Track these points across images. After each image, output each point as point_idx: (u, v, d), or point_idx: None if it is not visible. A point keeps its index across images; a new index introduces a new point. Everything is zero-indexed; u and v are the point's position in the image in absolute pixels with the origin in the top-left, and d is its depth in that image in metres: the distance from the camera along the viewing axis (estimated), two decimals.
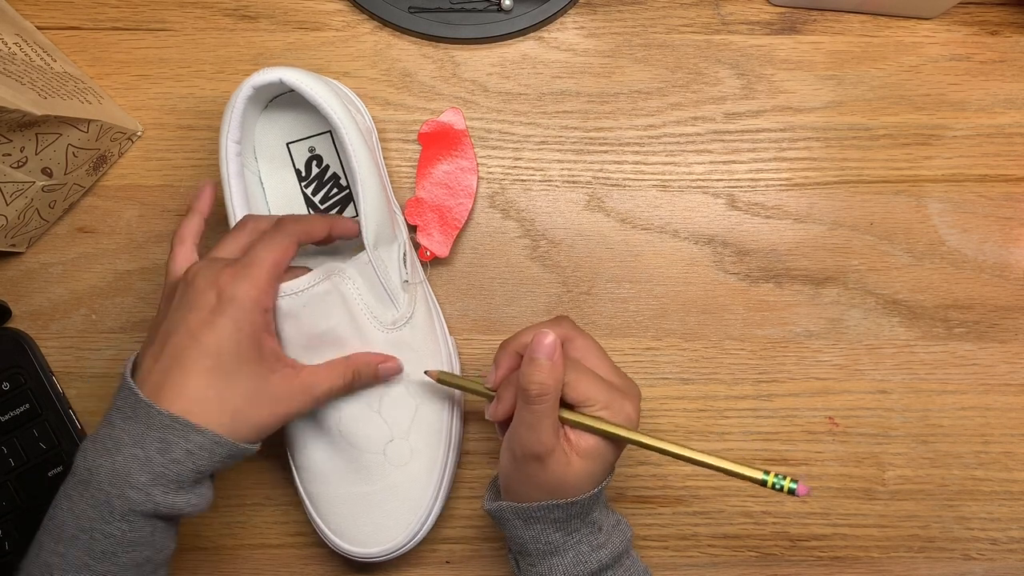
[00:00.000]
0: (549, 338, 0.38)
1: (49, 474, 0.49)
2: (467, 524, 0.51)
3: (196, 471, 0.37)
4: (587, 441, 0.39)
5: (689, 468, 0.51)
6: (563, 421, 0.39)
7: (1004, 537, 0.51)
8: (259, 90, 0.44)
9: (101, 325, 0.52)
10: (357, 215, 0.44)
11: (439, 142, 0.51)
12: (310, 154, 0.49)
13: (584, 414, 0.39)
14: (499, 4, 0.52)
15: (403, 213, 0.50)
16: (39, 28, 0.52)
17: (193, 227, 0.44)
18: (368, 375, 0.43)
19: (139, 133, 0.53)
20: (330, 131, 0.49)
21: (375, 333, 0.44)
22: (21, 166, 0.45)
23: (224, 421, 0.38)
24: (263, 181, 0.49)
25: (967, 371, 0.51)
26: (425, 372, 0.45)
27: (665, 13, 0.53)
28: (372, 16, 0.53)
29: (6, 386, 0.50)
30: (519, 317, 0.52)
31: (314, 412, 0.44)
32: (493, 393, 0.42)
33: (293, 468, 0.47)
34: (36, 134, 0.44)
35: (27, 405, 0.50)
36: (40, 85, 0.45)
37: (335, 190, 0.50)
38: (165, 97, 0.53)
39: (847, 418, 0.51)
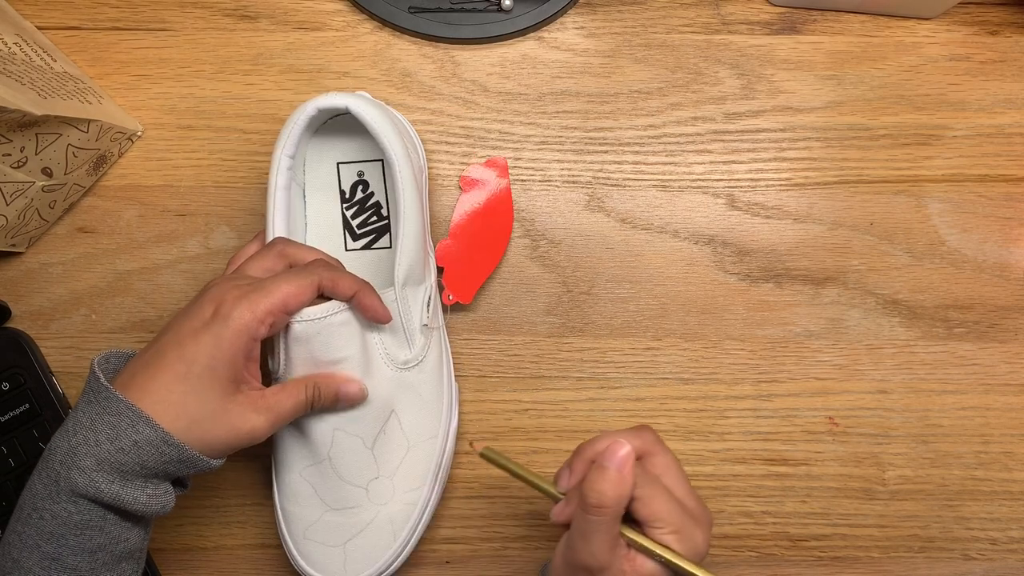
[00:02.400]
0: (624, 449, 0.36)
1: None
2: (467, 524, 0.51)
3: (142, 466, 0.37)
4: (648, 568, 0.36)
5: (689, 468, 0.51)
6: (626, 540, 0.37)
7: (1004, 537, 0.51)
8: (322, 112, 0.44)
9: (101, 325, 0.52)
10: (392, 246, 0.45)
11: (480, 186, 0.51)
12: (358, 178, 0.49)
13: (650, 537, 0.36)
14: (499, 4, 0.52)
15: (436, 254, 0.50)
16: (39, 28, 0.52)
17: (248, 252, 0.45)
18: (329, 395, 0.42)
19: (139, 133, 0.53)
20: (382, 160, 0.49)
21: (384, 369, 0.44)
22: (21, 166, 0.45)
23: (179, 426, 0.37)
24: (306, 195, 0.49)
25: (967, 371, 0.51)
26: (470, 444, 0.42)
27: (665, 13, 0.53)
28: (372, 16, 0.53)
29: (6, 386, 0.50)
30: (519, 317, 0.52)
31: (308, 434, 0.44)
32: (547, 487, 0.39)
33: (274, 483, 0.47)
34: (36, 134, 0.44)
35: (27, 405, 0.50)
36: (40, 85, 0.45)
37: (375, 218, 0.49)
38: (165, 97, 0.53)
39: (847, 418, 0.51)
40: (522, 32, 0.53)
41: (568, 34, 0.53)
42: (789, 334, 0.52)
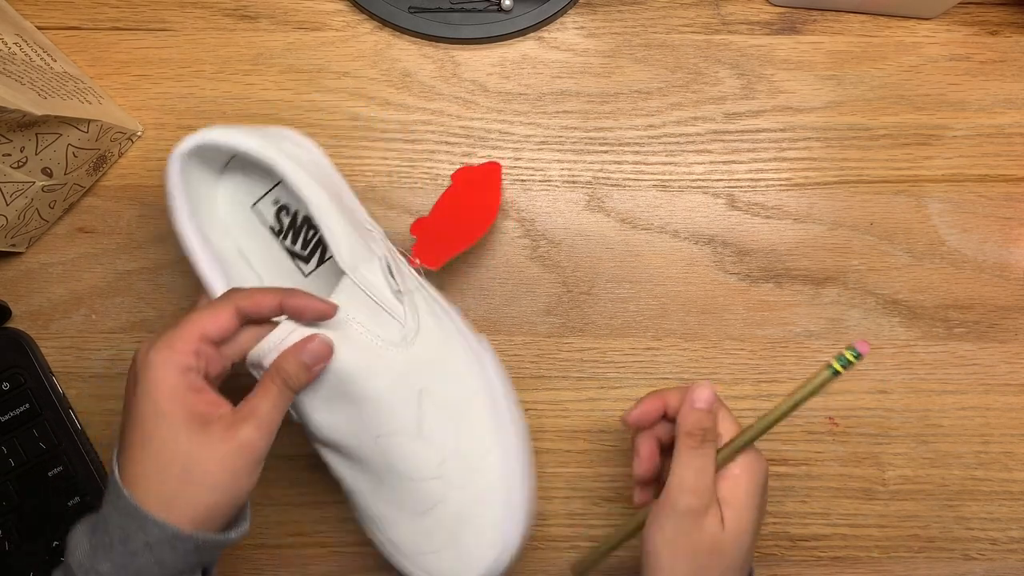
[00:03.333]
0: (708, 390, 0.40)
1: (49, 474, 0.49)
2: None
3: (161, 565, 0.34)
4: (734, 492, 0.39)
5: None
6: (720, 461, 0.40)
7: (1004, 537, 0.51)
8: (190, 157, 0.42)
9: (101, 325, 0.52)
10: (328, 246, 0.42)
11: (470, 184, 0.49)
12: (276, 206, 0.47)
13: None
14: (499, 4, 0.52)
15: (411, 227, 0.48)
16: (39, 28, 0.52)
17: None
18: (297, 368, 0.38)
19: (139, 133, 0.53)
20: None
21: (386, 356, 0.41)
22: (21, 166, 0.45)
23: (181, 507, 0.34)
24: (245, 254, 0.47)
25: (967, 371, 0.51)
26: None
27: (665, 13, 0.53)
28: (372, 16, 0.53)
29: (6, 386, 0.50)
30: (519, 317, 0.52)
31: (357, 457, 0.42)
32: (633, 524, 0.42)
33: (362, 526, 0.44)
34: (36, 134, 0.44)
35: (27, 405, 0.50)
36: (40, 85, 0.45)
37: (311, 232, 0.47)
38: (165, 97, 0.53)
39: (847, 418, 0.51)
40: (522, 32, 0.53)
41: (568, 34, 0.53)
42: (789, 334, 0.52)
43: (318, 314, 0.39)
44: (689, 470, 0.39)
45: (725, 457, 0.40)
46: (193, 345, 0.36)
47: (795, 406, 0.39)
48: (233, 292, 0.39)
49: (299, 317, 0.39)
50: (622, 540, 0.43)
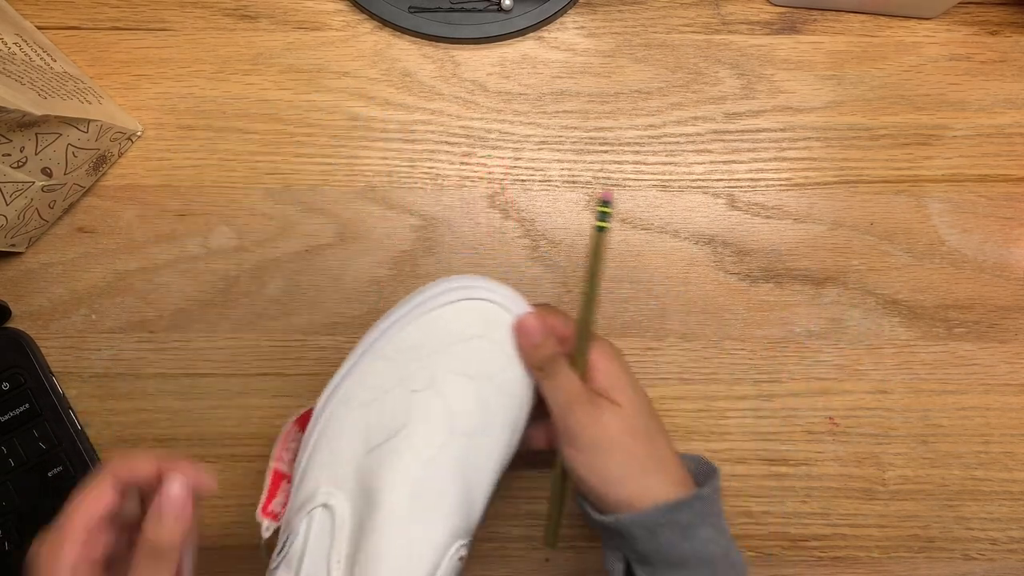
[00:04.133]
0: (533, 321, 0.40)
1: (49, 474, 0.49)
2: None
3: None
4: (606, 377, 0.40)
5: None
6: (573, 361, 0.41)
7: (1004, 537, 0.51)
8: None
9: (101, 325, 0.52)
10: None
11: None
12: None
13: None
14: (499, 4, 0.52)
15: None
16: (39, 28, 0.52)
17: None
18: (156, 534, 0.33)
19: (139, 133, 0.53)
20: None
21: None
22: (21, 166, 0.45)
23: None
24: None
25: (967, 371, 0.51)
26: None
27: (665, 13, 0.53)
28: (372, 16, 0.53)
29: (6, 386, 0.50)
30: None
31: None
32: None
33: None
34: (36, 134, 0.44)
35: (27, 405, 0.50)
36: (40, 85, 0.45)
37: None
38: (165, 97, 0.53)
39: (847, 418, 0.51)
40: (522, 32, 0.53)
41: (568, 34, 0.53)
42: (789, 334, 0.52)
43: (197, 486, 0.35)
44: (558, 393, 0.39)
45: (581, 360, 0.41)
46: (80, 538, 0.34)
47: (594, 279, 0.41)
48: (110, 464, 0.36)
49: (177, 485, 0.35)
50: (561, 495, 0.43)
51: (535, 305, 0.42)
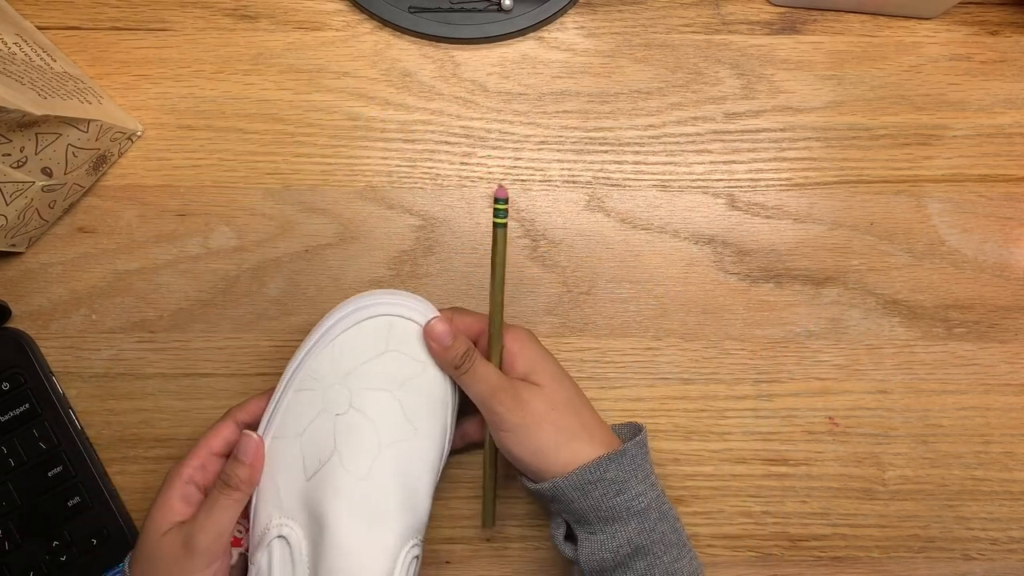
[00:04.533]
0: (440, 326, 0.42)
1: (49, 474, 0.49)
2: (467, 524, 0.51)
3: None
4: (524, 361, 0.43)
5: (689, 468, 0.51)
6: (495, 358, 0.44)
7: (1004, 537, 0.51)
8: None
9: (101, 325, 0.52)
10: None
11: None
12: None
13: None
14: (499, 4, 0.52)
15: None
16: (39, 28, 0.52)
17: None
18: (230, 470, 0.41)
19: (139, 133, 0.53)
20: None
21: None
22: (21, 166, 0.45)
23: None
24: None
25: (967, 371, 0.51)
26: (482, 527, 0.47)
27: (665, 13, 0.53)
28: (372, 16, 0.53)
29: (6, 386, 0.50)
30: (519, 317, 0.52)
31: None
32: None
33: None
34: (36, 134, 0.44)
35: (27, 405, 0.50)
36: (40, 85, 0.45)
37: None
38: (165, 97, 0.53)
39: (847, 418, 0.51)
40: (522, 32, 0.53)
41: (568, 34, 0.53)
42: (789, 334, 0.52)
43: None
44: (479, 386, 0.42)
45: (495, 351, 0.44)
46: (198, 462, 0.43)
47: (498, 276, 0.43)
48: (230, 409, 0.45)
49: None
50: (492, 474, 0.46)
51: (443, 309, 0.45)
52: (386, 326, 0.43)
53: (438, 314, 0.44)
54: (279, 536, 0.40)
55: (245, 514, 0.42)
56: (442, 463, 0.44)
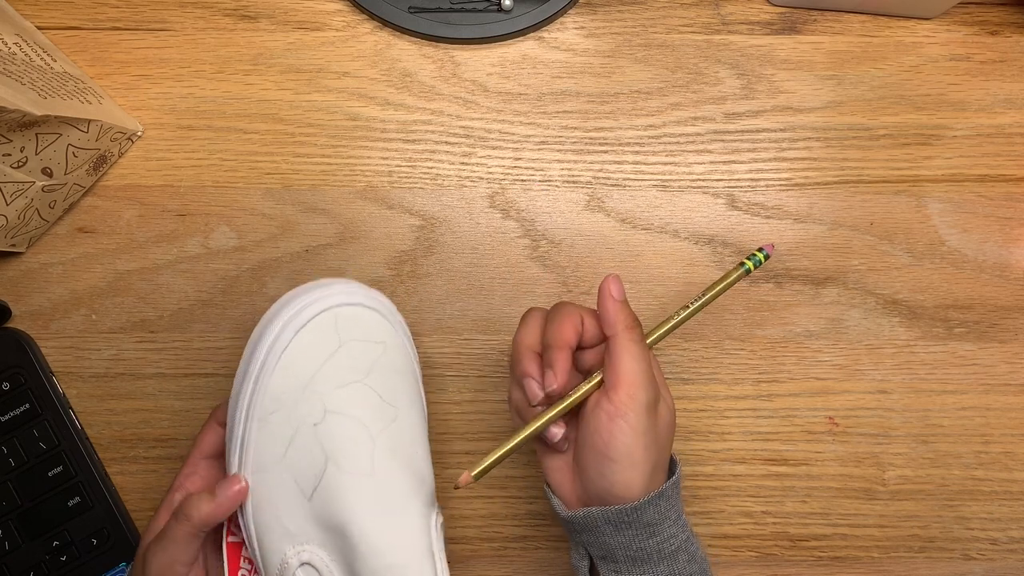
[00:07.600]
0: (618, 281, 0.40)
1: (49, 474, 0.49)
2: (467, 524, 0.51)
3: None
4: (623, 389, 0.38)
5: (689, 468, 0.51)
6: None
7: (1004, 537, 0.51)
8: None
9: (101, 325, 0.52)
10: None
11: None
12: None
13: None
14: (499, 4, 0.52)
15: None
16: (39, 28, 0.52)
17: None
18: (190, 506, 0.40)
19: (139, 133, 0.53)
20: None
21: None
22: (21, 166, 0.45)
23: None
24: None
25: (967, 371, 0.51)
26: (455, 487, 0.39)
27: (665, 13, 0.53)
28: (372, 16, 0.53)
29: (6, 386, 0.50)
30: (519, 317, 0.52)
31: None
32: (540, 422, 0.40)
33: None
34: (36, 134, 0.44)
35: (27, 405, 0.50)
36: (40, 85, 0.45)
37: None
38: (165, 97, 0.53)
39: (847, 418, 0.51)
40: (522, 32, 0.53)
41: (568, 34, 0.53)
42: (789, 334, 0.52)
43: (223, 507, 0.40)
44: (641, 363, 0.38)
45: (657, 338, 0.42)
46: (190, 467, 0.44)
47: (711, 300, 0.43)
48: (215, 410, 0.45)
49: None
50: (523, 439, 0.40)
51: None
52: (331, 320, 0.40)
53: (368, 291, 0.41)
54: (302, 564, 0.38)
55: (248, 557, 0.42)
56: (426, 425, 0.43)
